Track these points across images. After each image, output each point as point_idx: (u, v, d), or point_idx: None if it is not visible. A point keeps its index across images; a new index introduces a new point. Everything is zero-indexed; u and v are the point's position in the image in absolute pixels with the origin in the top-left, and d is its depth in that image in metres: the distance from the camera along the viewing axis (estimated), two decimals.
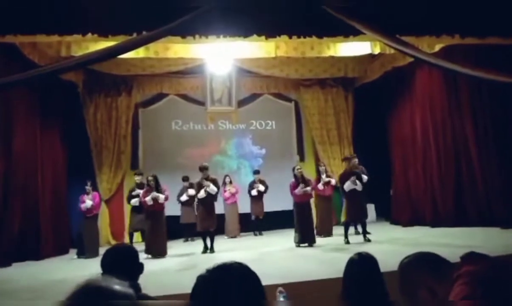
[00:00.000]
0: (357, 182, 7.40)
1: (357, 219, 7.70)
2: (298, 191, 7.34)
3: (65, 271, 6.40)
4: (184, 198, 9.05)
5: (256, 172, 10.07)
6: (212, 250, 7.35)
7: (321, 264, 5.52)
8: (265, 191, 9.78)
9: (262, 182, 9.87)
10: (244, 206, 9.89)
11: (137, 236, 8.61)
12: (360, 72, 10.67)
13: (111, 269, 1.86)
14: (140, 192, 7.66)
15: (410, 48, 5.79)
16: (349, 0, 5.95)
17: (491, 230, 7.07)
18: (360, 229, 8.43)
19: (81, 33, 5.77)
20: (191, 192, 8.16)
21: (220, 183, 8.70)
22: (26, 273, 6.37)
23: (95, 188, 8.66)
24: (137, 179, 8.50)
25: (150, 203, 7.23)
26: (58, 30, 5.76)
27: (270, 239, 8.99)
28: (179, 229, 9.45)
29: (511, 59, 6.54)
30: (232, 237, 9.52)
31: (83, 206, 7.93)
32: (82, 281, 1.14)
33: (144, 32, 5.64)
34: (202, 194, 7.37)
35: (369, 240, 7.28)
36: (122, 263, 1.91)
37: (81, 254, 7.77)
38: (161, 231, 7.29)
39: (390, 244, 6.94)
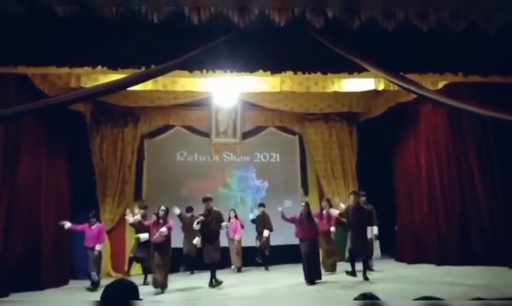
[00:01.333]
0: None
1: (360, 252, 7.55)
2: None
3: (65, 303, 6.30)
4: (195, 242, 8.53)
5: (261, 205, 10.01)
6: (216, 282, 7.26)
7: (326, 303, 5.40)
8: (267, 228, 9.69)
9: (266, 218, 9.76)
10: (248, 240, 9.78)
11: (137, 268, 8.47)
12: (364, 108, 10.75)
13: (110, 304, 1.85)
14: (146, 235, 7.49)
15: (414, 85, 5.87)
16: (354, 36, 6.09)
17: (498, 269, 6.93)
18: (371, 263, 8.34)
19: (91, 66, 5.92)
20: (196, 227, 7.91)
21: (226, 217, 8.70)
22: (24, 304, 6.27)
23: (97, 219, 8.50)
24: (141, 212, 8.42)
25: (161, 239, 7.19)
26: (69, 62, 5.92)
27: (274, 274, 8.83)
28: (180, 260, 9.31)
29: None
30: (236, 270, 9.39)
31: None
32: None
33: (152, 66, 5.77)
34: (195, 226, 7.40)
35: (367, 279, 7.10)
36: (122, 298, 1.89)
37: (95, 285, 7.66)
38: (165, 262, 7.21)
39: (395, 282, 6.81)
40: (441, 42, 6.31)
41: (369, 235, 7.43)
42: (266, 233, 9.58)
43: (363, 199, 8.13)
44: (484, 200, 7.76)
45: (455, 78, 6.64)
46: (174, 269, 8.55)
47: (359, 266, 7.34)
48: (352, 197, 7.80)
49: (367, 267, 7.36)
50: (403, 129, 10.07)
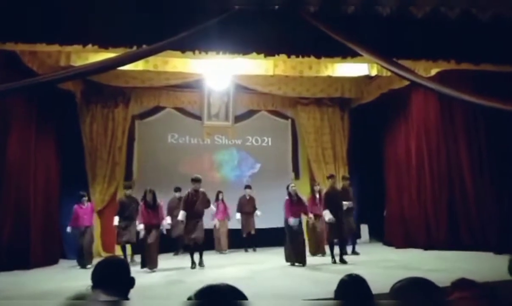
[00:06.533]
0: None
1: (339, 237, 7.59)
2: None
3: (54, 282, 6.31)
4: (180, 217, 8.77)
5: (247, 187, 10.07)
6: (201, 265, 7.30)
7: (314, 284, 5.47)
8: (254, 210, 9.84)
9: (252, 199, 9.91)
10: (234, 222, 9.90)
11: (128, 248, 8.50)
12: (357, 93, 10.76)
13: (101, 281, 1.85)
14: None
15: (406, 71, 5.88)
16: (348, 21, 6.07)
17: (484, 255, 7.07)
18: (355, 248, 8.47)
19: (82, 44, 5.83)
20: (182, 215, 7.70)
21: (213, 197, 8.79)
22: (14, 282, 6.27)
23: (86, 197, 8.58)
24: (128, 192, 8.38)
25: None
26: (59, 40, 5.82)
27: (262, 256, 8.93)
28: (168, 242, 9.35)
29: (505, 85, 6.64)
30: (221, 252, 9.50)
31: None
32: (71, 295, 1.13)
33: (144, 46, 5.69)
34: (181, 215, 7.35)
35: (345, 262, 7.23)
36: (113, 276, 1.89)
37: (81, 263, 7.81)
38: (155, 244, 7.27)
39: (382, 265, 6.92)
40: (434, 29, 6.32)
41: (343, 207, 7.57)
42: (258, 212, 9.76)
43: (346, 182, 8.53)
44: (471, 188, 7.86)
45: (448, 66, 6.67)
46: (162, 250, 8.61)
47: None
48: (329, 181, 7.99)
49: (342, 251, 7.48)
50: (394, 116, 10.11)
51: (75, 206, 8.05)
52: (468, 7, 6.30)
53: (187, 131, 10.96)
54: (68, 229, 8.05)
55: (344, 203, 7.90)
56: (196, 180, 7.42)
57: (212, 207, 7.43)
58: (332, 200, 7.57)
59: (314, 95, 10.80)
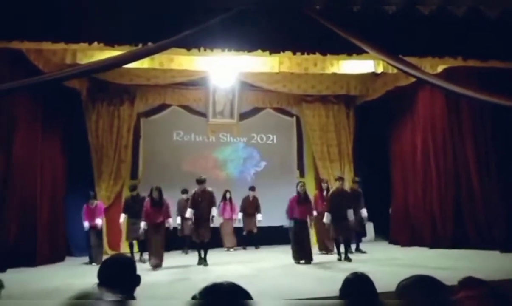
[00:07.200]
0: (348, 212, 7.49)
1: (343, 236, 7.54)
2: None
3: (61, 279, 6.35)
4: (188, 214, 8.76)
5: (252, 189, 10.08)
6: (205, 262, 7.31)
7: (319, 282, 5.47)
8: (257, 211, 9.84)
9: (255, 200, 9.92)
10: (237, 221, 9.95)
11: (135, 247, 8.53)
12: (362, 90, 10.71)
13: (107, 279, 1.85)
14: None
15: (413, 68, 5.83)
16: (354, 18, 6.03)
17: (490, 253, 7.03)
18: (359, 246, 8.46)
19: (87, 42, 5.85)
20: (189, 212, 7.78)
21: (220, 196, 8.93)
22: (21, 279, 6.32)
23: (95, 197, 8.59)
24: (134, 193, 8.38)
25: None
26: (65, 38, 5.84)
27: (266, 254, 8.94)
28: (176, 241, 9.39)
29: None
30: (229, 249, 9.55)
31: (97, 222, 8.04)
32: (76, 293, 1.13)
33: (149, 43, 5.70)
34: (188, 212, 7.43)
35: (349, 260, 7.25)
36: (119, 274, 1.90)
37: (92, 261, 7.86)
38: (160, 242, 7.28)
39: (388, 264, 6.89)
40: (441, 26, 6.27)
41: (350, 217, 7.47)
42: (259, 216, 9.76)
43: (355, 185, 8.41)
44: (478, 185, 7.81)
45: (455, 63, 6.61)
46: (169, 248, 8.65)
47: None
48: (336, 182, 7.92)
49: (347, 249, 7.47)
50: (400, 113, 10.06)
51: (84, 206, 8.09)
52: (476, 5, 6.25)
53: (192, 128, 10.97)
54: (86, 225, 7.95)
55: (350, 214, 7.56)
56: (200, 181, 7.44)
57: (214, 209, 7.38)
58: (336, 200, 7.53)
59: (320, 93, 10.77)
